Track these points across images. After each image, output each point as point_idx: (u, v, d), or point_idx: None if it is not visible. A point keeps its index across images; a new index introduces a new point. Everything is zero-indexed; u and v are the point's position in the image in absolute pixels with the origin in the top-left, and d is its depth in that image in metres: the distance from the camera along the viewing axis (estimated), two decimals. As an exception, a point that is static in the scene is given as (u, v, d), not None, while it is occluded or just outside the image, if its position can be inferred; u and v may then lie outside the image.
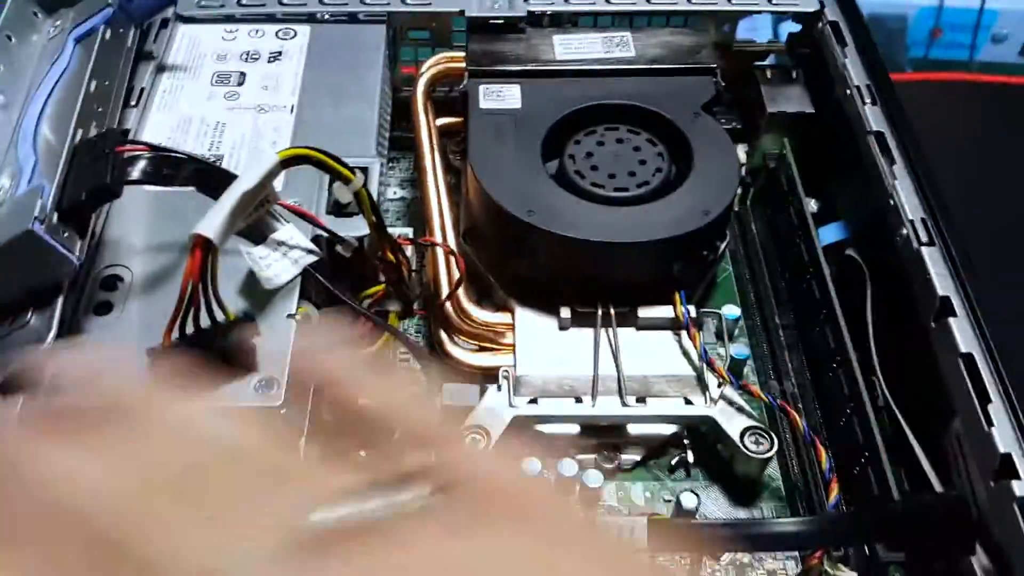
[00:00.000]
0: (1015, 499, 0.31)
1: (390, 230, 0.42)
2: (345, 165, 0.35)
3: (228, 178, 0.34)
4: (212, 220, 0.32)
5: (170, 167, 0.37)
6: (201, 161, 0.37)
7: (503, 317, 0.44)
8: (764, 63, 0.54)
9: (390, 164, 0.55)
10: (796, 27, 0.53)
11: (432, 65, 0.51)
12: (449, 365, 0.43)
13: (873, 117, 0.44)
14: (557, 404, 0.41)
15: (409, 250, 0.44)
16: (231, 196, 0.32)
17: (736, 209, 0.52)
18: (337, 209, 0.39)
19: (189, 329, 0.33)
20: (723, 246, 0.46)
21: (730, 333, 0.46)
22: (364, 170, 0.40)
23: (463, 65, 0.49)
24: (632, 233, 0.42)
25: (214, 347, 0.34)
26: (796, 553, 0.39)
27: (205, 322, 0.33)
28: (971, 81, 0.90)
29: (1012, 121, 0.77)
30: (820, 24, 0.51)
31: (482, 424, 0.40)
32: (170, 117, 0.46)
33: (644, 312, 0.43)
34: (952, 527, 0.34)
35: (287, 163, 0.33)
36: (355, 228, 0.38)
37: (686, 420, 0.42)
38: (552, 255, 0.43)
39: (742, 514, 0.41)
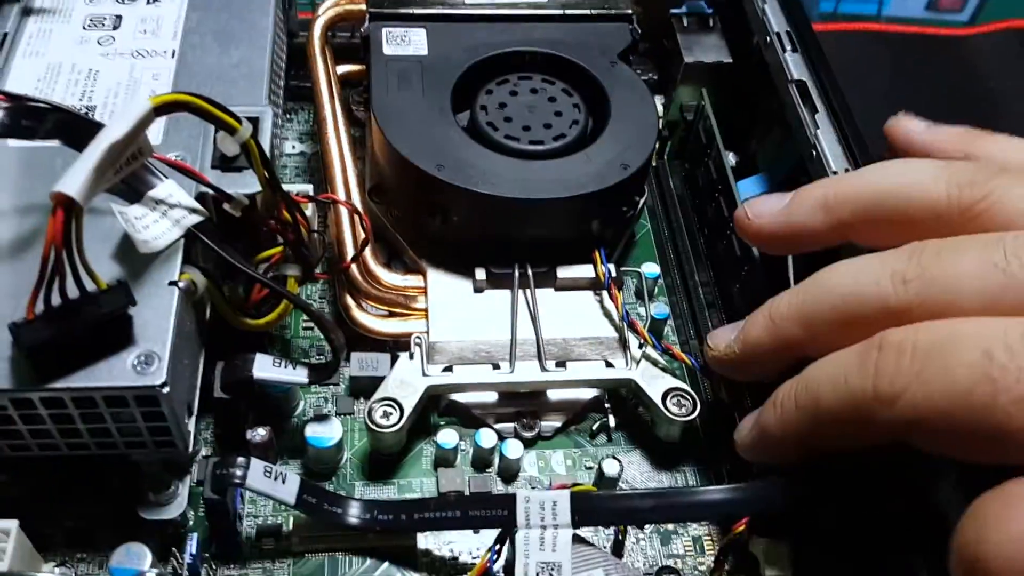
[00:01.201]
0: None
1: (287, 187, 0.39)
2: (230, 113, 0.31)
3: (97, 129, 0.30)
4: (75, 176, 0.28)
5: (30, 118, 0.32)
6: (66, 111, 0.32)
7: (414, 280, 0.42)
8: (680, 11, 0.52)
9: (287, 116, 0.51)
10: (714, -28, 0.51)
11: (330, 6, 0.47)
12: (357, 333, 0.41)
13: (794, 65, 0.43)
14: (473, 372, 0.39)
15: (309, 209, 0.40)
16: (96, 149, 0.28)
17: (653, 164, 0.50)
18: (224, 163, 0.35)
19: (56, 300, 0.29)
20: (641, 201, 0.44)
21: (650, 292, 0.45)
22: (254, 120, 0.36)
23: (364, 7, 0.45)
24: (549, 188, 0.39)
25: (84, 319, 0.30)
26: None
27: (74, 292, 0.30)
28: (879, 31, 0.91)
29: (921, 70, 0.78)
30: (738, -31, 0.49)
31: (393, 396, 0.37)
32: (37, 64, 0.41)
33: (563, 272, 0.41)
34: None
35: (161, 110, 0.30)
36: (245, 184, 0.35)
37: (607, 384, 0.40)
38: (465, 213, 0.40)
39: (665, 479, 0.39)
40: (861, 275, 0.29)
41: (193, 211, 0.34)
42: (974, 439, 0.24)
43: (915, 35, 0.89)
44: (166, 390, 0.31)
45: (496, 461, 0.39)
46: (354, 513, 0.34)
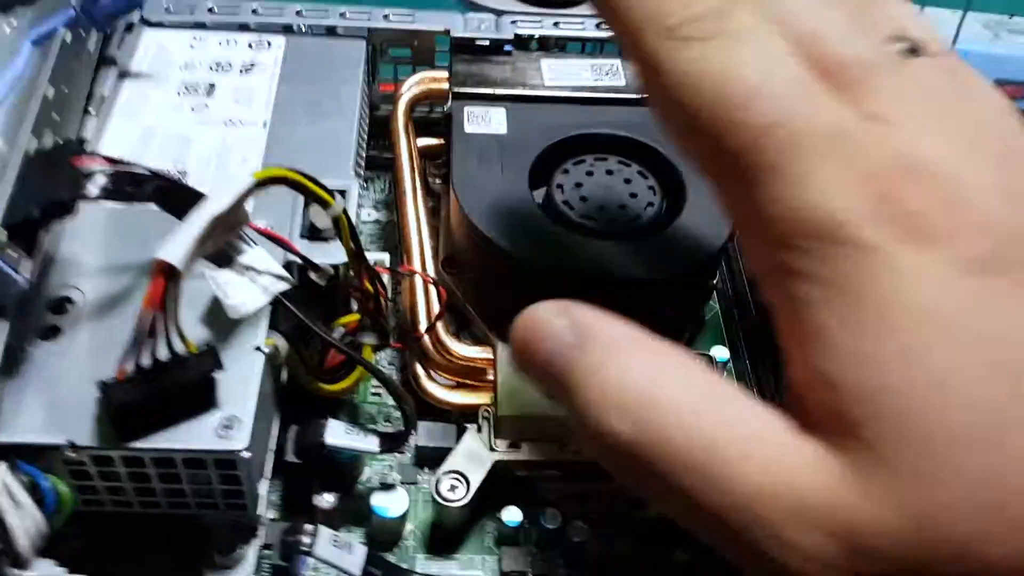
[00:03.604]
0: None
1: (370, 256, 0.40)
2: (324, 187, 0.32)
3: (195, 197, 0.31)
4: (177, 245, 0.29)
5: (132, 183, 0.33)
6: (166, 178, 0.34)
7: (483, 352, 0.42)
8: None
9: (365, 184, 0.52)
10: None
11: (415, 84, 0.49)
12: (422, 402, 0.41)
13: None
14: (541, 448, 0.39)
15: (385, 278, 0.41)
16: (200, 219, 0.29)
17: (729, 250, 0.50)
18: (312, 234, 0.36)
19: (146, 361, 0.30)
20: (713, 283, 0.45)
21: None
22: (342, 192, 0.37)
23: (446, 86, 0.47)
24: (622, 269, 0.40)
25: (173, 382, 0.31)
26: None
27: (164, 353, 0.30)
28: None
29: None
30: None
31: (460, 470, 0.37)
32: (132, 128, 0.43)
33: (632, 352, 0.41)
34: None
35: (263, 184, 0.31)
36: (331, 255, 0.36)
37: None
38: (537, 288, 0.41)
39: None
40: None
41: (280, 278, 0.35)
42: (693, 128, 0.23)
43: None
44: (247, 455, 0.31)
45: (562, 542, 0.38)
46: (418, 588, 0.34)
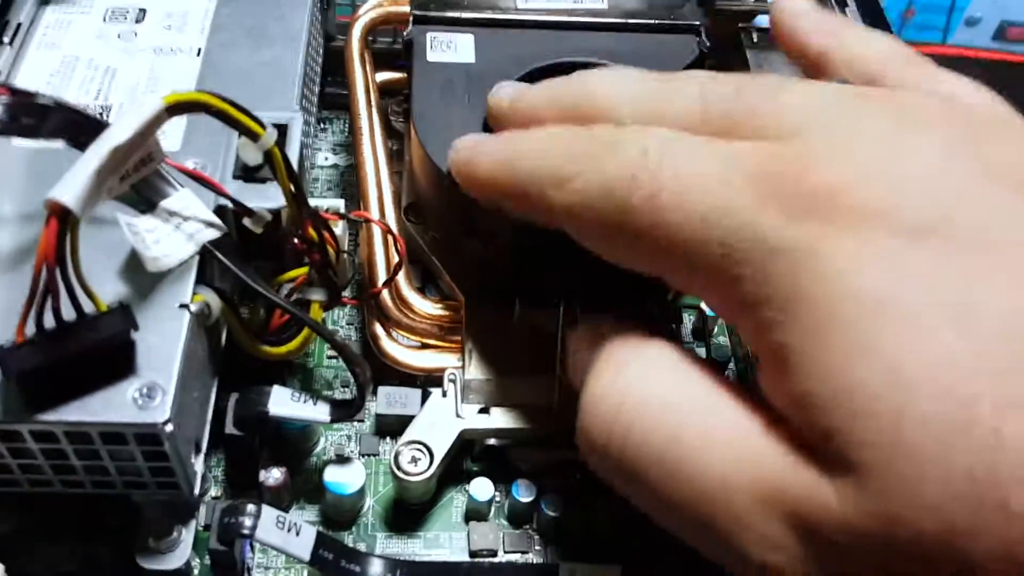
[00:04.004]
0: None
1: (317, 202, 0.35)
2: (253, 117, 0.28)
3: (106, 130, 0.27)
4: (72, 183, 0.24)
5: (32, 115, 0.29)
6: (72, 109, 0.29)
7: (450, 309, 0.38)
8: (750, 24, 0.48)
9: (321, 125, 0.47)
10: (787, -16, 0.47)
11: (371, 8, 0.44)
12: (385, 365, 0.37)
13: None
14: (511, 414, 0.35)
15: (339, 227, 0.37)
16: (98, 152, 0.24)
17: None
18: (248, 174, 0.32)
19: (48, 322, 0.26)
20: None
21: (709, 330, 0.41)
22: (282, 127, 0.33)
23: (407, 9, 0.42)
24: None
25: (80, 344, 0.26)
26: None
27: (70, 313, 0.26)
28: (945, 56, 0.87)
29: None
30: (814, -19, 0.45)
31: (423, 439, 0.33)
32: (51, 58, 0.38)
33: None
34: None
35: (174, 110, 0.26)
36: (268, 198, 0.31)
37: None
38: (510, 237, 0.36)
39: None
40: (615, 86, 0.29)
41: (210, 225, 0.30)
42: (612, 235, 0.26)
43: (983, 60, 0.85)
44: (169, 428, 0.27)
45: (536, 516, 0.35)
46: (375, 573, 0.30)
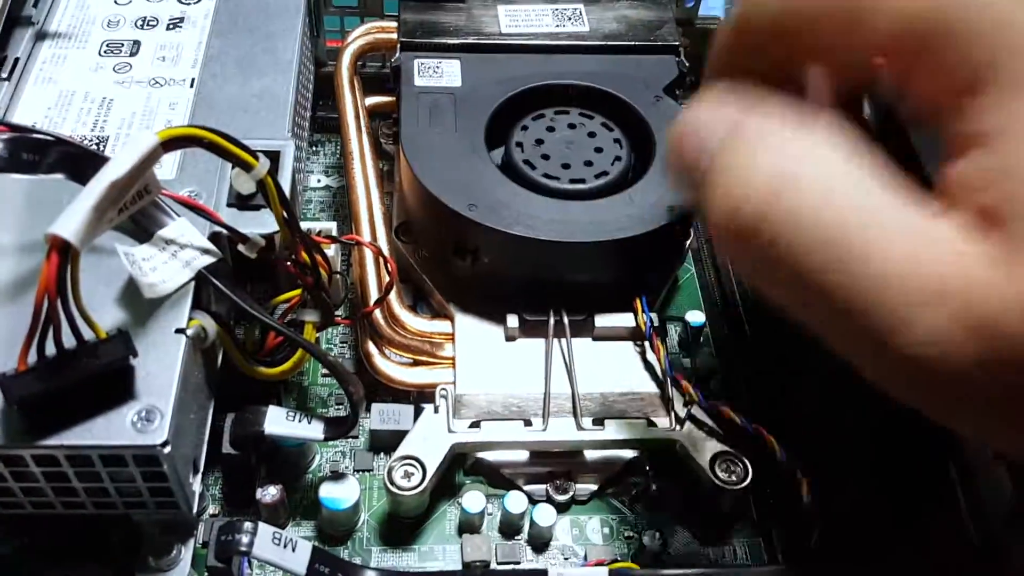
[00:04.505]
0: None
1: (310, 225, 0.36)
2: (245, 148, 0.29)
3: (103, 164, 0.28)
4: (71, 217, 0.25)
5: (31, 151, 0.30)
6: (70, 143, 0.30)
7: (441, 326, 0.39)
8: (729, 42, 0.49)
9: (314, 148, 0.49)
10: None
11: (360, 35, 0.45)
12: (378, 382, 0.38)
13: (854, 102, 0.39)
14: (503, 428, 0.36)
15: (331, 249, 0.38)
16: (97, 187, 0.26)
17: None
18: (241, 201, 0.33)
19: (49, 350, 0.27)
20: (687, 244, 0.41)
21: (695, 342, 0.42)
22: (275, 154, 0.34)
23: (395, 36, 0.43)
24: (588, 231, 0.36)
25: (80, 372, 0.27)
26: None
27: (70, 341, 0.27)
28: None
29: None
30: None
31: (416, 454, 0.34)
32: (48, 92, 0.39)
33: (601, 320, 0.38)
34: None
35: (169, 145, 0.27)
36: (262, 224, 0.32)
37: (649, 444, 0.37)
38: (497, 255, 0.37)
39: (712, 552, 0.36)
40: None
41: (205, 252, 0.31)
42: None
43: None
44: (167, 450, 0.28)
45: (526, 527, 0.36)
46: (370, 586, 0.31)
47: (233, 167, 0.30)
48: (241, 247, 0.32)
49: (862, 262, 0.21)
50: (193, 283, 0.31)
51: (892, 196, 0.22)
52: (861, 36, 0.25)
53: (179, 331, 0.30)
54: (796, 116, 0.24)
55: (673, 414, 0.36)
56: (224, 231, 0.32)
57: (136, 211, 0.29)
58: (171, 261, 0.31)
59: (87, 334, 0.27)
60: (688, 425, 0.36)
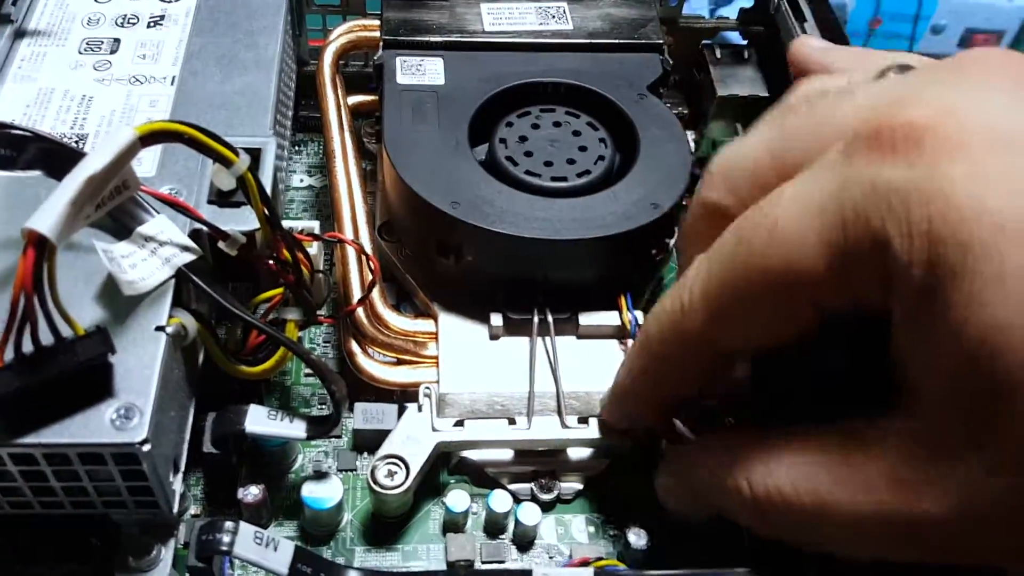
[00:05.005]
0: None
1: (294, 223, 0.36)
2: (225, 144, 0.29)
3: (81, 159, 0.28)
4: (48, 212, 0.25)
5: (8, 146, 0.30)
6: (48, 139, 0.30)
7: (425, 325, 0.39)
8: (713, 42, 0.49)
9: (297, 148, 0.48)
10: (748, 2, 0.48)
11: (342, 33, 0.45)
12: (362, 381, 0.37)
13: (837, 100, 0.40)
14: (487, 427, 0.36)
15: (314, 248, 0.38)
16: (73, 182, 0.25)
17: (684, 203, 0.47)
18: (222, 198, 0.33)
19: (27, 347, 0.27)
20: (671, 243, 0.41)
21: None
22: (255, 152, 0.34)
23: (378, 34, 0.43)
24: (572, 229, 0.36)
25: (58, 368, 0.27)
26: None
27: (48, 338, 0.27)
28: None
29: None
30: (775, -1, 0.47)
31: (399, 453, 0.34)
32: (27, 90, 0.39)
33: (586, 319, 0.38)
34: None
35: (148, 140, 0.27)
36: (242, 221, 0.32)
37: (632, 443, 0.36)
38: (481, 254, 0.37)
39: (695, 548, 0.36)
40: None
41: (185, 249, 0.31)
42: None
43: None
44: (147, 448, 0.28)
45: (511, 526, 0.35)
46: (353, 585, 0.31)
47: (213, 163, 0.30)
48: (222, 244, 0.31)
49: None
50: (173, 280, 0.31)
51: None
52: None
53: (159, 329, 0.30)
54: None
55: (657, 412, 0.36)
56: (204, 228, 0.31)
57: (114, 207, 0.28)
58: (151, 258, 0.30)
59: (65, 331, 0.27)
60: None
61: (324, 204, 0.46)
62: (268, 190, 0.32)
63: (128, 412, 0.28)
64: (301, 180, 0.47)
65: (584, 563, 0.30)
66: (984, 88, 0.24)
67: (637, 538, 0.34)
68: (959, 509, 0.22)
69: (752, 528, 0.29)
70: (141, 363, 0.29)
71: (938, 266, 0.22)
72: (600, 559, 0.32)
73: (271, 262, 0.32)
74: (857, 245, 0.23)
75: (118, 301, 0.30)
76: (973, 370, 0.21)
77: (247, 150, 0.31)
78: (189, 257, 0.31)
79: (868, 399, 0.25)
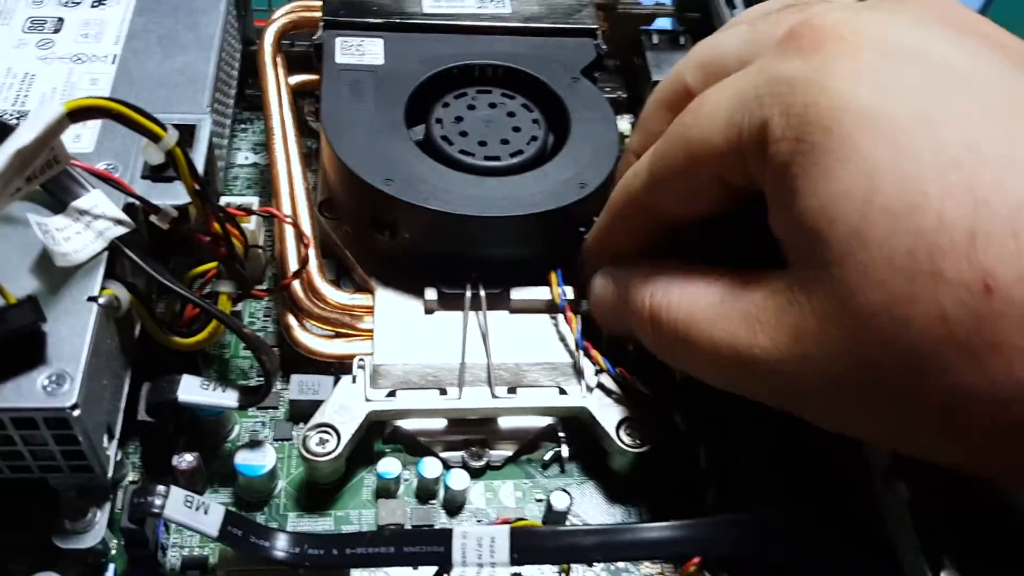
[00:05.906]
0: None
1: (231, 199, 0.37)
2: (153, 119, 0.29)
3: (8, 135, 0.28)
4: (-24, 183, 0.26)
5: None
6: (-20, 113, 0.31)
7: (361, 299, 0.40)
8: (650, 28, 0.50)
9: (243, 126, 0.49)
10: (685, -11, 0.50)
11: (284, 13, 0.46)
12: (300, 354, 0.39)
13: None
14: (419, 397, 0.37)
15: (252, 223, 0.39)
16: (1, 156, 0.26)
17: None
18: (154, 174, 0.34)
19: (-41, 316, 0.27)
20: (603, 221, 0.43)
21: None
22: (190, 128, 0.35)
23: (319, 14, 0.44)
24: (503, 206, 0.38)
25: (-9, 337, 0.28)
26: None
27: (-20, 307, 0.28)
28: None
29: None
30: (710, -14, 0.48)
31: (330, 422, 0.35)
32: (-31, 67, 0.39)
33: (517, 294, 0.39)
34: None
35: (76, 116, 0.28)
36: (175, 195, 0.33)
37: (560, 411, 0.38)
38: (415, 230, 0.39)
39: (618, 513, 0.37)
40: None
41: (119, 223, 0.32)
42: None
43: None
44: (77, 412, 0.29)
45: (441, 492, 0.37)
46: (282, 547, 0.32)
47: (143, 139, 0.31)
48: (153, 218, 0.32)
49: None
50: (106, 253, 0.32)
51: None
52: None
53: (91, 299, 0.31)
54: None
55: (584, 383, 0.38)
56: (137, 202, 0.32)
57: (46, 181, 0.29)
58: (84, 231, 0.31)
59: (-4, 300, 0.28)
60: (598, 393, 0.38)
61: (268, 182, 0.47)
62: (202, 166, 0.33)
63: (59, 379, 0.29)
64: (246, 157, 0.48)
65: (505, 523, 0.32)
66: (897, 12, 0.26)
67: (560, 501, 0.35)
68: (789, 350, 0.26)
69: (649, 347, 0.33)
70: (73, 332, 0.30)
71: (802, 141, 0.25)
72: (521, 519, 0.33)
73: (203, 235, 0.33)
74: (751, 126, 0.26)
75: (52, 273, 0.31)
76: (815, 235, 0.24)
77: (182, 127, 0.32)
78: (122, 230, 0.32)
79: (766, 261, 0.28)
